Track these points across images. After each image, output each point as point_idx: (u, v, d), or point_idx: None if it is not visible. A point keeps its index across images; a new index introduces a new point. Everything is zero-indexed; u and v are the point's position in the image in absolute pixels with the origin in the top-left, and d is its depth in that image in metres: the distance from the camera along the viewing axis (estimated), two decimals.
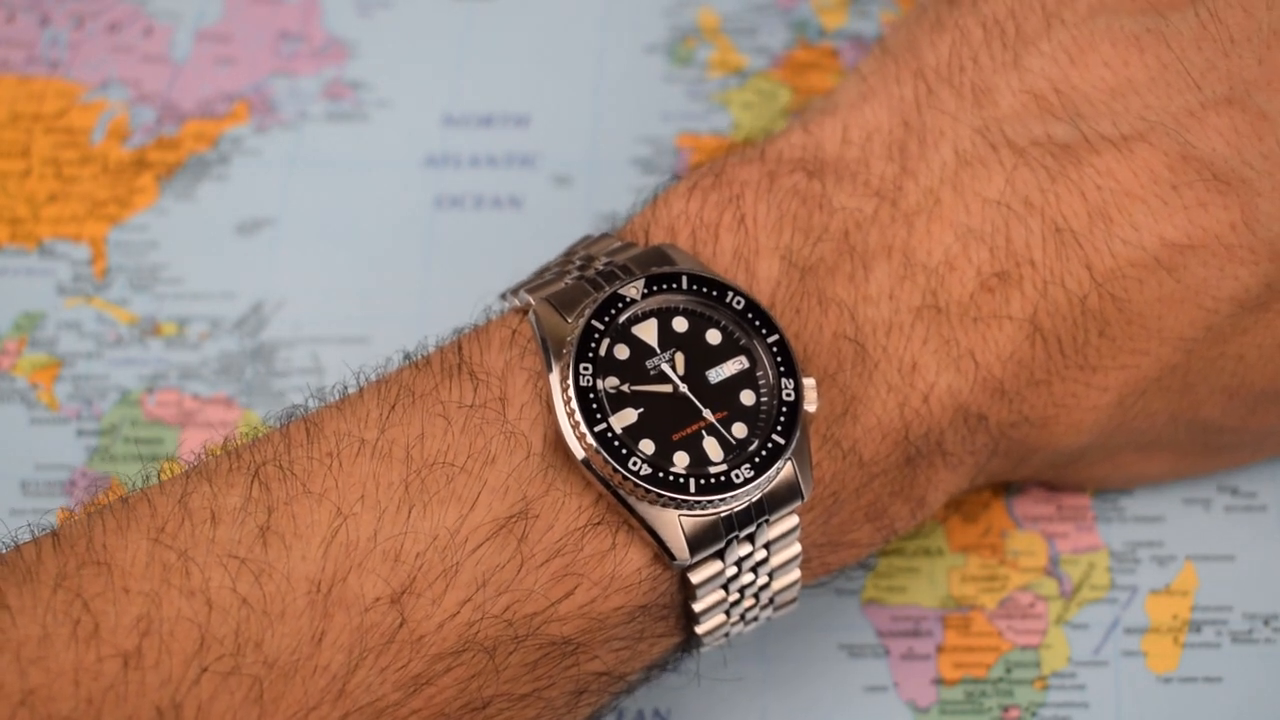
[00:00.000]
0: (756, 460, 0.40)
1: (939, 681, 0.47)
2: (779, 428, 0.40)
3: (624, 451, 0.39)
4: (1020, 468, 0.46)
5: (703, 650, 0.43)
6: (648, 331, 0.41)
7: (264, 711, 0.36)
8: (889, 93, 0.45)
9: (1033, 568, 0.48)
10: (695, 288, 0.41)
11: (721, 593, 0.41)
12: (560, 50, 0.57)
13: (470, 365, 0.40)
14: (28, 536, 0.38)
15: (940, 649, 0.47)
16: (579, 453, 0.39)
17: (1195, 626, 0.47)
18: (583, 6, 0.57)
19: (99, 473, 0.49)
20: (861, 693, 0.47)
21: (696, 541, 0.40)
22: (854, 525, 0.43)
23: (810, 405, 0.41)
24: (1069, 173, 0.42)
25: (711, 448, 0.40)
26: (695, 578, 0.40)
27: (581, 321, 0.40)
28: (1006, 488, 0.49)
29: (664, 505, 0.39)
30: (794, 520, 0.41)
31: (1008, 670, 0.47)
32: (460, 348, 0.41)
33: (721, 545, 0.40)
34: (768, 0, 0.57)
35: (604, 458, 0.39)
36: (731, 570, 0.41)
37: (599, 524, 0.39)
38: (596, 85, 0.56)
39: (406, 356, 0.41)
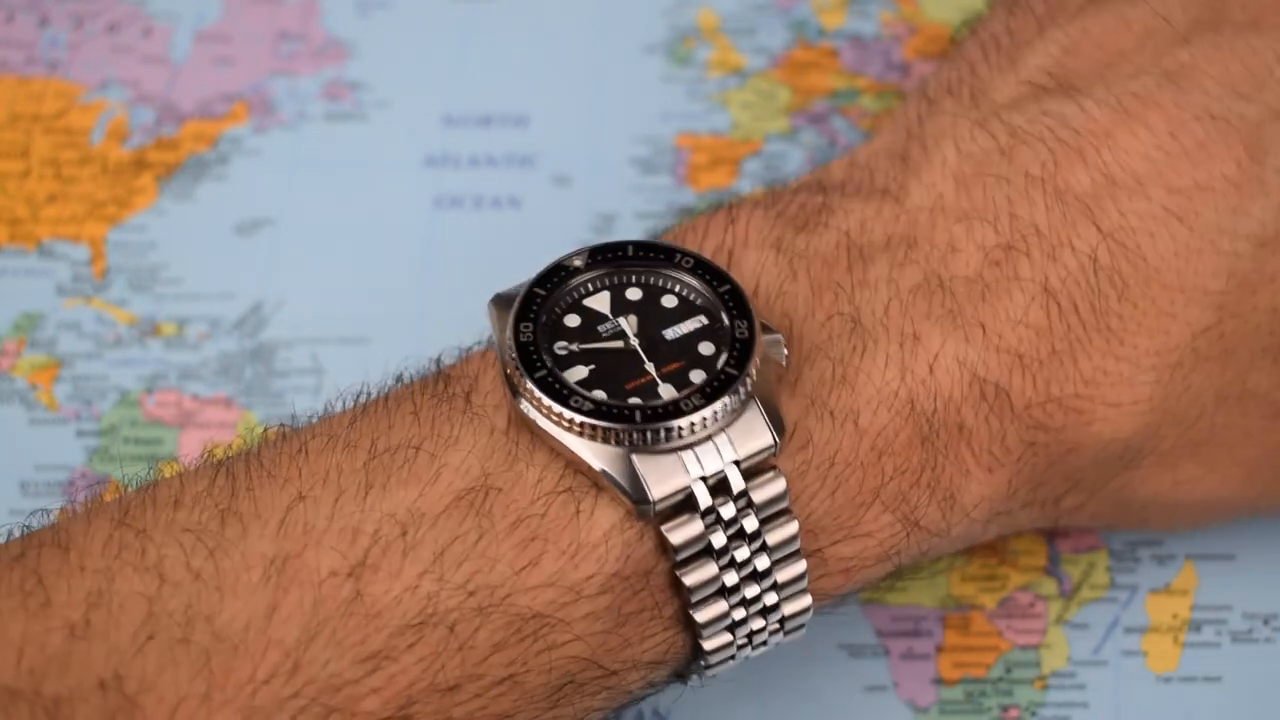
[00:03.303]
0: (707, 391, 0.39)
1: (939, 681, 0.47)
2: (731, 363, 0.39)
3: (565, 393, 0.39)
4: (1060, 472, 0.43)
5: (713, 665, 0.41)
6: (600, 301, 0.41)
7: (212, 684, 0.36)
8: (895, 122, 0.45)
9: (1032, 567, 0.48)
10: (642, 254, 0.41)
11: (714, 568, 0.39)
12: (560, 50, 0.57)
13: (445, 371, 0.41)
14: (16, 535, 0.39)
15: (940, 649, 0.47)
16: (524, 406, 0.39)
17: (1195, 626, 0.47)
18: (582, 7, 0.57)
19: (99, 473, 0.49)
20: (861, 693, 0.47)
21: (654, 477, 0.38)
22: (865, 508, 0.41)
23: (776, 352, 0.40)
24: (1067, 141, 0.42)
25: (667, 393, 0.39)
26: (674, 537, 0.39)
27: (523, 288, 0.40)
28: None
29: (614, 444, 0.38)
30: (781, 484, 0.39)
31: (1007, 670, 0.47)
32: (439, 360, 0.42)
33: (688, 487, 0.38)
34: (767, 0, 0.57)
35: (546, 403, 0.38)
36: (718, 539, 0.39)
37: (564, 491, 0.39)
38: (595, 85, 0.56)
39: (397, 380, 0.42)
